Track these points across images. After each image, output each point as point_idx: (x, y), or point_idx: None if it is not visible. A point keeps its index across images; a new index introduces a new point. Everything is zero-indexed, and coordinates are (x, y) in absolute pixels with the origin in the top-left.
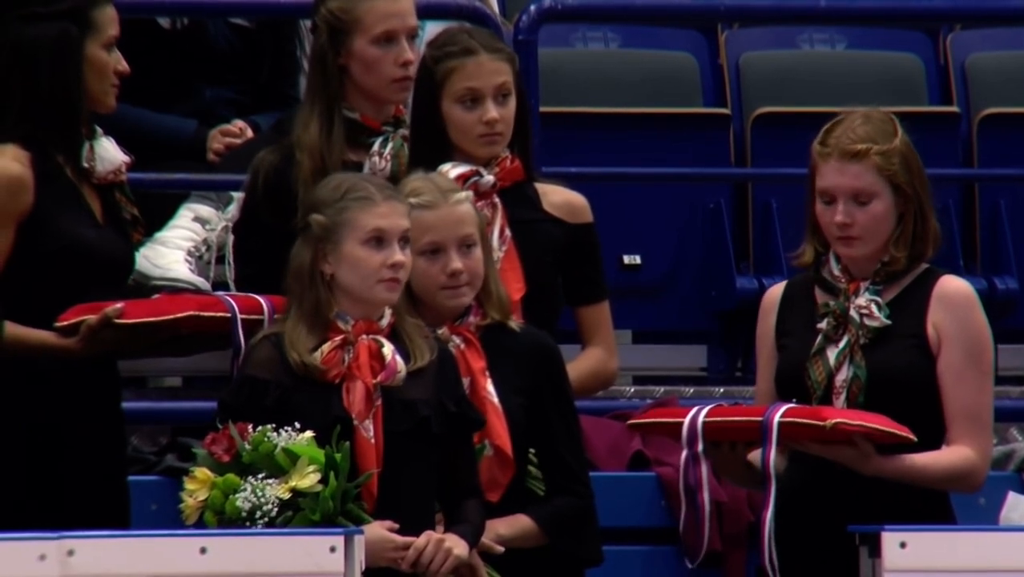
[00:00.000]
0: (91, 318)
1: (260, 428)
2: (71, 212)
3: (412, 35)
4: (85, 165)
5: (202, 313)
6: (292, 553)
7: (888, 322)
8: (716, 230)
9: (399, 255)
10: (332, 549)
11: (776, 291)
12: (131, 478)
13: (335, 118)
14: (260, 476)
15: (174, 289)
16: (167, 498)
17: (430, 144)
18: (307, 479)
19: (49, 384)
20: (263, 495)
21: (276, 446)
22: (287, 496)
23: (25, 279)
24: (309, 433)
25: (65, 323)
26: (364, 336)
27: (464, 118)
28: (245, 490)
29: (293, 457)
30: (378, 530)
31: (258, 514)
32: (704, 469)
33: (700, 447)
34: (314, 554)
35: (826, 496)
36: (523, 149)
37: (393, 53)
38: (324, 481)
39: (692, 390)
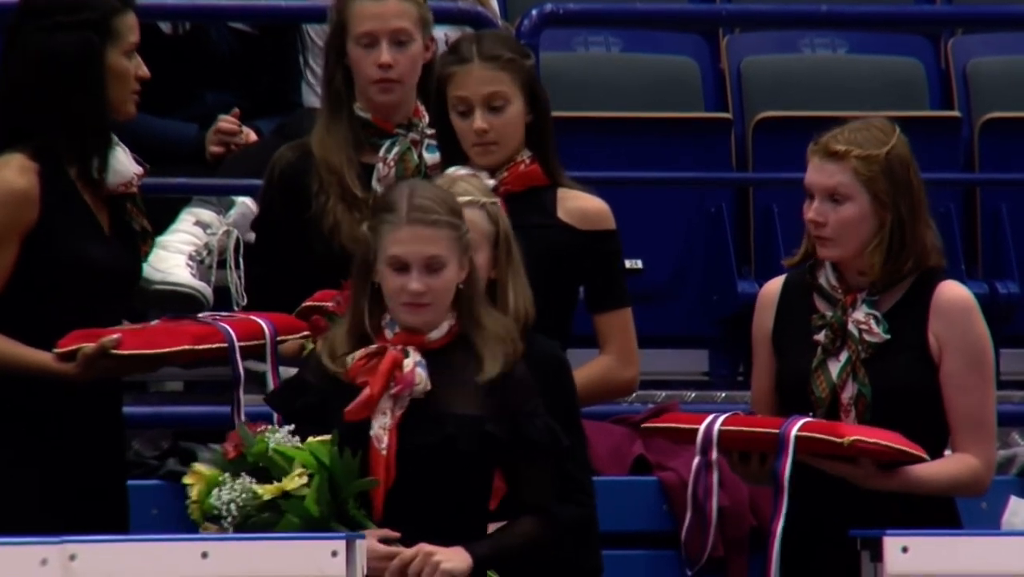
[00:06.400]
0: (88, 347)
1: (264, 428)
2: (78, 226)
3: (398, 39)
4: (95, 176)
5: (197, 347)
6: (294, 557)
7: (887, 337)
8: (717, 235)
9: (415, 284)
10: (334, 553)
11: (774, 287)
12: (132, 482)
13: (342, 117)
14: (243, 475)
15: (175, 294)
16: (168, 502)
17: (447, 150)
18: (294, 481)
19: (49, 388)
20: (238, 492)
21: (267, 447)
22: (268, 497)
23: (29, 293)
24: (323, 437)
25: (63, 349)
26: (398, 346)
27: (460, 126)
28: (223, 486)
29: (288, 459)
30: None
31: (224, 512)
32: (715, 477)
33: (714, 455)
34: (316, 558)
35: (830, 501)
36: (543, 153)
37: (373, 55)
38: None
39: (694, 395)
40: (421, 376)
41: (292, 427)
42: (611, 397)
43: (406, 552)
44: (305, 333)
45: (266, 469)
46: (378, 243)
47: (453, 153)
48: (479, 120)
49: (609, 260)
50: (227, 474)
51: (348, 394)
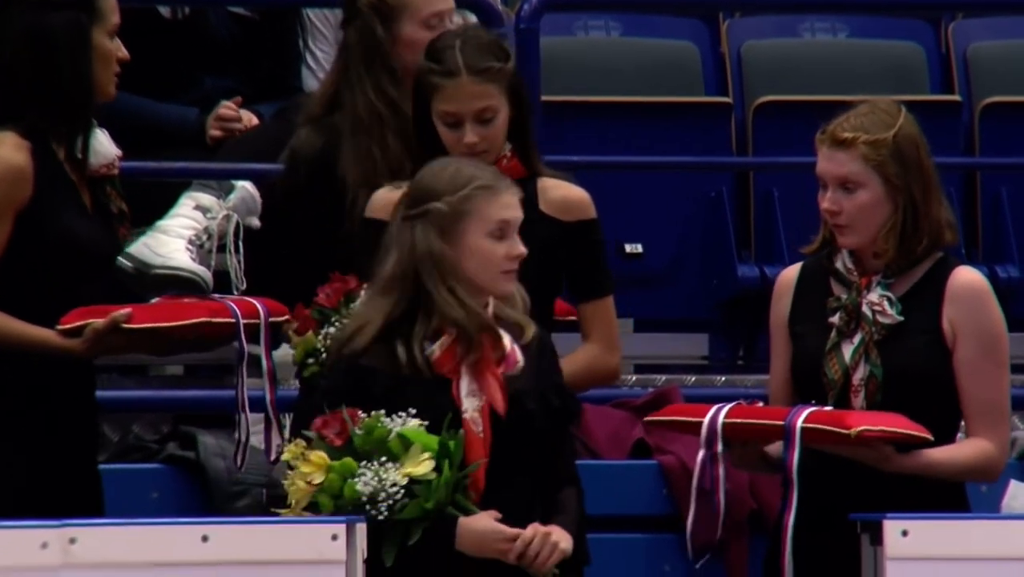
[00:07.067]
0: (98, 322)
1: (373, 413)
2: (67, 205)
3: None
4: (79, 156)
5: (212, 320)
6: (294, 541)
7: (901, 319)
8: (718, 219)
9: (521, 246)
10: (334, 537)
11: (791, 274)
12: (133, 466)
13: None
14: (380, 461)
15: (175, 278)
16: (168, 486)
17: (427, 146)
18: (422, 466)
19: (22, 370)
20: (385, 480)
21: (390, 432)
22: (403, 482)
23: (19, 270)
24: (418, 421)
25: (69, 326)
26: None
27: (446, 136)
28: (365, 474)
29: (406, 444)
30: (488, 521)
31: (380, 498)
32: (721, 470)
33: (719, 448)
34: (316, 542)
35: (838, 486)
36: (523, 147)
37: (439, 32)
38: (438, 469)
39: (694, 379)
40: (520, 355)
41: (414, 411)
42: (596, 384)
43: (526, 533)
44: (285, 318)
45: (369, 454)
46: (471, 214)
47: (433, 150)
48: (470, 135)
49: (592, 249)
50: (371, 462)
51: (416, 380)
